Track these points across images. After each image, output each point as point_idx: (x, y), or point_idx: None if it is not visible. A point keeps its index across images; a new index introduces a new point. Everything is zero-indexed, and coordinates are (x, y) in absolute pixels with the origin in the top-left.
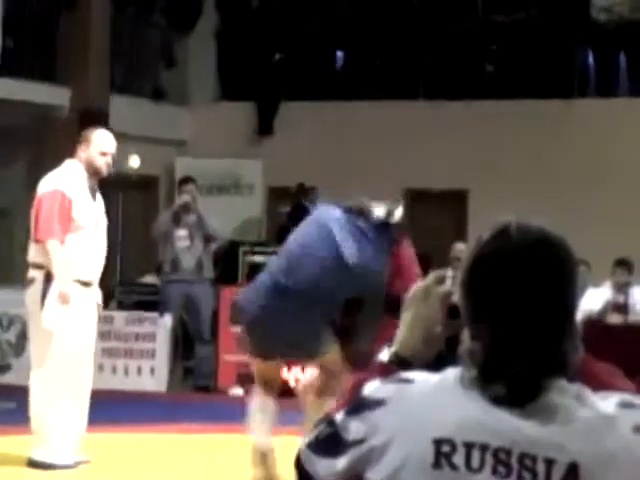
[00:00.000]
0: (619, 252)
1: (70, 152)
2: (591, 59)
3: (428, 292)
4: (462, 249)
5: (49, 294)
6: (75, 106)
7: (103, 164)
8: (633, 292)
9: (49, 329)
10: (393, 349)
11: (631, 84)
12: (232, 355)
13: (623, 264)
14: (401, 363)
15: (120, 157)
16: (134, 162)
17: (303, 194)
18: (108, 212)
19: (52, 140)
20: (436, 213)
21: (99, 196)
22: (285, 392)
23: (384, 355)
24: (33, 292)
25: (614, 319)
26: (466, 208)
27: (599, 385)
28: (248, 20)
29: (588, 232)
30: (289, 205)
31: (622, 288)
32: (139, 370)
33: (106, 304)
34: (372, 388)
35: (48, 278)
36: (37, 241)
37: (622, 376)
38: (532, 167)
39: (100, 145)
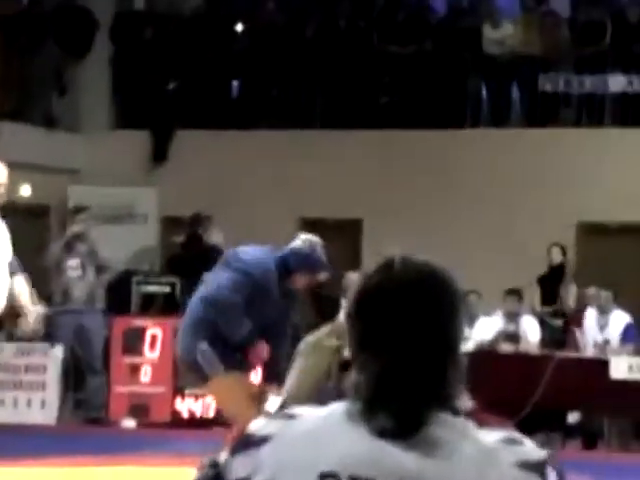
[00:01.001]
0: (509, 281)
1: None
2: (483, 90)
3: (319, 344)
4: (355, 278)
5: None
6: None
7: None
8: (523, 321)
9: None
10: (282, 399)
11: (522, 115)
12: (124, 386)
13: (513, 293)
14: None
15: (10, 185)
16: (25, 191)
17: (198, 223)
18: None
19: None
20: (330, 242)
21: (2, 226)
22: (176, 422)
23: (272, 404)
24: None
25: (505, 348)
26: (360, 237)
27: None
28: (143, 48)
29: (478, 262)
30: (183, 235)
31: (513, 317)
32: (29, 402)
33: None
34: (257, 425)
35: None
36: None
37: (512, 428)
38: (425, 196)
39: None
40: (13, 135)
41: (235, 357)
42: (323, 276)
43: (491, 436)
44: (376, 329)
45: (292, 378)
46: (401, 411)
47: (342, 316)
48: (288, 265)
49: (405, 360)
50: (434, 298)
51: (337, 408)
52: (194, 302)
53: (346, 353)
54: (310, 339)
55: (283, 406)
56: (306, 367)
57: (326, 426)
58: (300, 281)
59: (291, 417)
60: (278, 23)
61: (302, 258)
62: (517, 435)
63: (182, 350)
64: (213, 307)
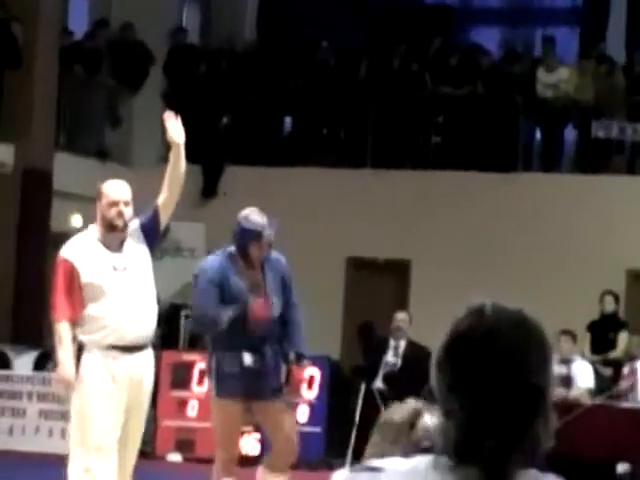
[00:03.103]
0: (559, 326)
1: (11, 208)
2: (536, 134)
3: (390, 420)
4: (403, 318)
5: (80, 369)
6: (19, 164)
7: (114, 215)
8: (575, 365)
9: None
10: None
11: (574, 160)
12: (171, 420)
13: (567, 333)
14: None
15: (62, 216)
16: (76, 221)
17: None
18: (47, 271)
19: None
20: (378, 282)
21: (128, 248)
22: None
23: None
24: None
25: (557, 393)
26: (408, 278)
27: None
28: (196, 82)
29: (526, 306)
30: None
31: (565, 361)
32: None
33: (44, 365)
34: (341, 478)
35: (79, 351)
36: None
37: None
38: (474, 239)
39: (109, 195)
40: (66, 166)
41: (238, 363)
42: (267, 236)
43: None
44: (465, 373)
45: (366, 452)
46: (489, 458)
47: (390, 357)
48: (239, 246)
49: (494, 405)
50: (525, 345)
51: (422, 461)
52: None
53: (419, 434)
54: (386, 413)
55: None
56: (376, 443)
57: (412, 479)
58: (255, 251)
59: (375, 470)
60: (331, 62)
61: (240, 233)
62: None
63: None
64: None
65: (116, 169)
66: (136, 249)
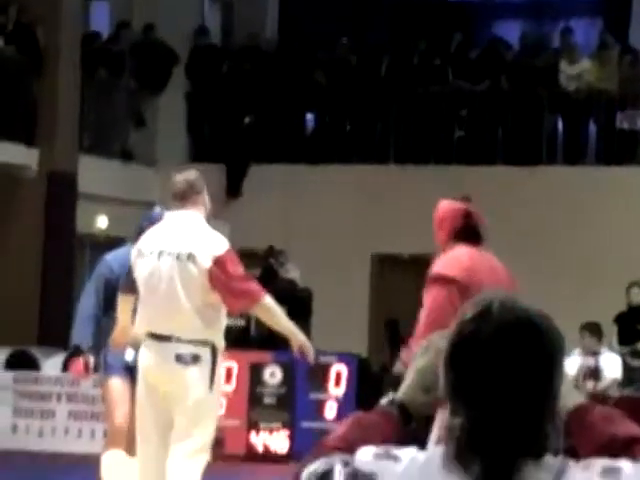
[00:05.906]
0: (586, 318)
1: (37, 211)
2: (559, 127)
3: (429, 346)
4: None
5: (217, 374)
6: (43, 167)
7: None
8: (603, 357)
9: (215, 411)
10: (394, 396)
11: (599, 152)
12: None
13: (588, 327)
14: (401, 411)
15: (87, 217)
16: (102, 222)
17: (272, 256)
18: (75, 272)
19: (19, 199)
20: (404, 278)
21: None
22: (251, 456)
23: (385, 400)
24: (198, 372)
25: (587, 386)
26: None
27: (597, 435)
28: (218, 82)
29: (554, 298)
30: (256, 268)
31: (592, 354)
32: (106, 433)
33: None
34: (364, 459)
35: (214, 355)
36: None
37: (621, 418)
38: (500, 233)
39: None
40: (90, 168)
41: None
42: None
43: (589, 472)
44: (469, 379)
45: (407, 378)
46: (491, 459)
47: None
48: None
49: (496, 414)
50: (533, 347)
51: (435, 454)
52: None
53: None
54: (423, 342)
55: (395, 402)
56: (416, 366)
57: (424, 473)
58: None
59: (394, 458)
60: (352, 59)
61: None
62: (613, 463)
63: None
64: None
65: (140, 170)
66: None
